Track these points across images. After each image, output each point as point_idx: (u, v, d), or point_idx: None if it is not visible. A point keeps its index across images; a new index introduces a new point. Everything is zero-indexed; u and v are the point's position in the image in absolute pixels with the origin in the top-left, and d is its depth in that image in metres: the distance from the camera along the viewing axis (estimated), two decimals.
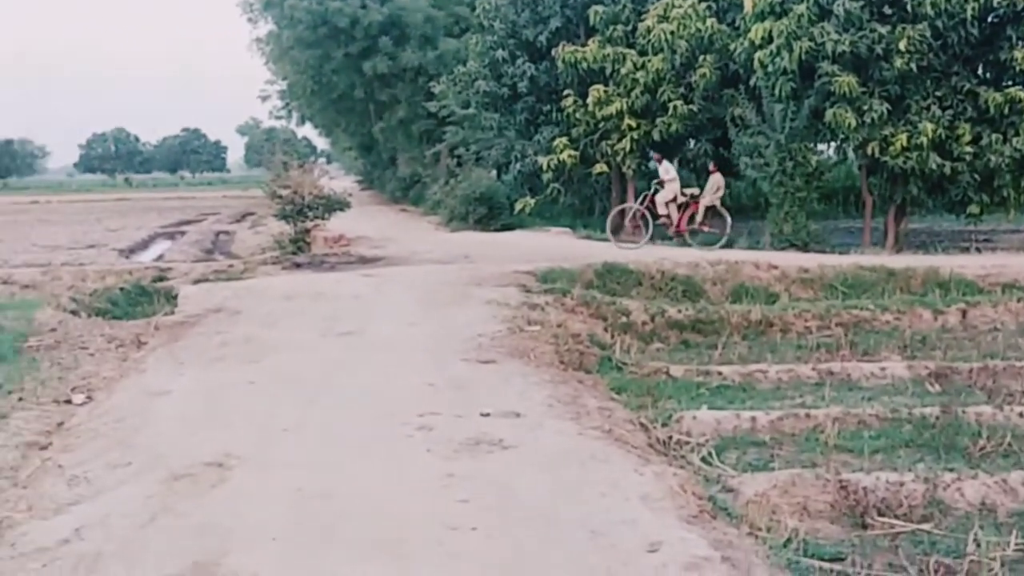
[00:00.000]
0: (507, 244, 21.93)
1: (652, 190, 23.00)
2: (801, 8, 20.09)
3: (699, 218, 22.42)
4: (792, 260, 17.69)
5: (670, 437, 8.47)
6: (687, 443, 8.31)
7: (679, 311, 14.26)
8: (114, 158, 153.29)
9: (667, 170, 23.49)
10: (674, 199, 22.64)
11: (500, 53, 28.08)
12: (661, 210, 22.47)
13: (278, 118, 58.60)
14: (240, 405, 8.50)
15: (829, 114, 20.17)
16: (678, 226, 22.46)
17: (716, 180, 22.85)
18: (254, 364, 10.12)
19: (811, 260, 17.75)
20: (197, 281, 17.02)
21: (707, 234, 22.07)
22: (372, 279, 15.63)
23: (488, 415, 8.18)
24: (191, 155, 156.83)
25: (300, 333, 11.72)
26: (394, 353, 10.55)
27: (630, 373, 11.07)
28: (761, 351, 12.65)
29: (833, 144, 24.08)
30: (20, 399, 9.30)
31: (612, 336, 13.18)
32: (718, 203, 22.55)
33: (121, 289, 17.40)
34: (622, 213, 24.76)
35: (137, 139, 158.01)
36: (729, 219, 21.96)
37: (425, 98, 36.24)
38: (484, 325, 11.98)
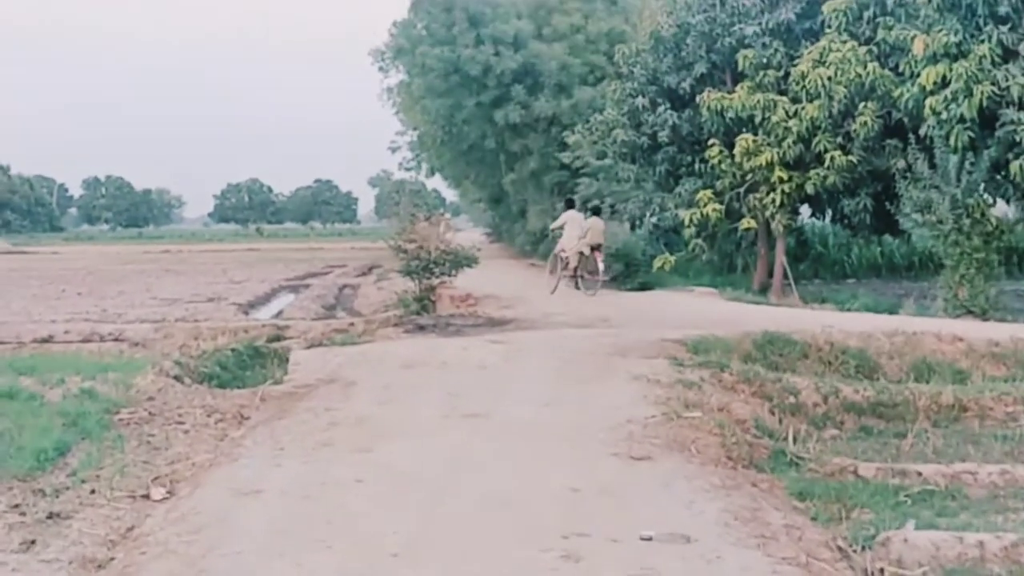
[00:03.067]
0: (648, 306, 20.21)
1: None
2: (983, 49, 18.11)
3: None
4: (976, 330, 15.57)
5: (881, 570, 6.58)
6: None
7: (856, 391, 12.32)
8: (247, 208, 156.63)
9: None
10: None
11: (640, 101, 26.52)
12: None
13: (408, 170, 58.03)
14: (343, 514, 6.90)
15: (1014, 167, 18.02)
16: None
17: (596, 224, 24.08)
18: (364, 454, 8.54)
19: (997, 331, 15.61)
20: (312, 345, 15.66)
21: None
22: (501, 346, 14.04)
23: (650, 539, 6.42)
24: (322, 206, 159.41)
25: (420, 413, 10.14)
26: (529, 444, 8.87)
27: (810, 471, 9.20)
28: (959, 443, 10.67)
29: (1015, 199, 21.75)
30: (92, 491, 7.89)
31: (780, 421, 11.35)
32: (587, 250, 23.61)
33: (233, 350, 16.20)
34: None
35: (270, 190, 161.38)
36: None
37: (558, 149, 34.98)
38: (633, 408, 10.24)
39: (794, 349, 14.22)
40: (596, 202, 28.01)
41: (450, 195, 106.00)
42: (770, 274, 26.38)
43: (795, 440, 10.32)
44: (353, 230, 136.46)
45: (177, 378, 13.18)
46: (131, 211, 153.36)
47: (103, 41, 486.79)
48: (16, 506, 7.46)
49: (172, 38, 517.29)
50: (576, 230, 23.77)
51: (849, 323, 16.37)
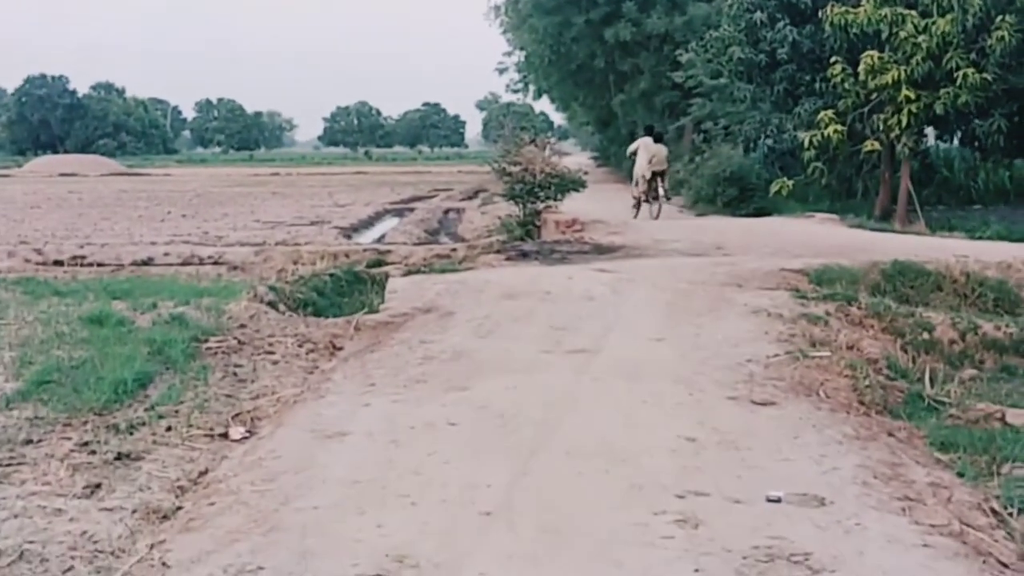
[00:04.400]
0: (765, 232, 19.07)
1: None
2: None
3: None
4: None
5: None
6: None
7: (996, 327, 11.23)
8: (356, 131, 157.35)
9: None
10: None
11: (758, 16, 25.07)
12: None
13: (515, 92, 56.96)
14: (432, 463, 6.21)
15: None
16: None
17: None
18: (459, 393, 7.84)
19: None
20: (409, 272, 15.01)
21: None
22: (609, 275, 13.19)
23: (778, 500, 5.62)
24: (430, 129, 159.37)
25: (520, 347, 9.40)
26: (638, 384, 8.07)
27: (951, 418, 8.26)
28: None
29: None
30: (169, 428, 7.36)
31: (913, 360, 10.37)
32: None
33: (331, 275, 15.74)
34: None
35: (379, 113, 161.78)
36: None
37: (670, 68, 33.80)
38: (753, 345, 9.37)
39: (927, 280, 13.09)
40: (657, 129, 28.15)
41: (558, 119, 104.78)
42: (893, 200, 25.03)
43: (932, 382, 9.37)
44: (461, 154, 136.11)
45: (271, 304, 12.74)
46: (243, 134, 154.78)
47: None
48: (86, 444, 6.96)
49: None
50: (645, 156, 24.05)
51: (983, 252, 15.17)
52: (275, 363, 9.66)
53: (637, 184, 24.35)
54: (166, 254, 19.91)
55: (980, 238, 19.55)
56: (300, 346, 10.35)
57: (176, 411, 7.78)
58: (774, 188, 24.48)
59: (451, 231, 28.15)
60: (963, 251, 15.11)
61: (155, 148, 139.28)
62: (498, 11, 44.77)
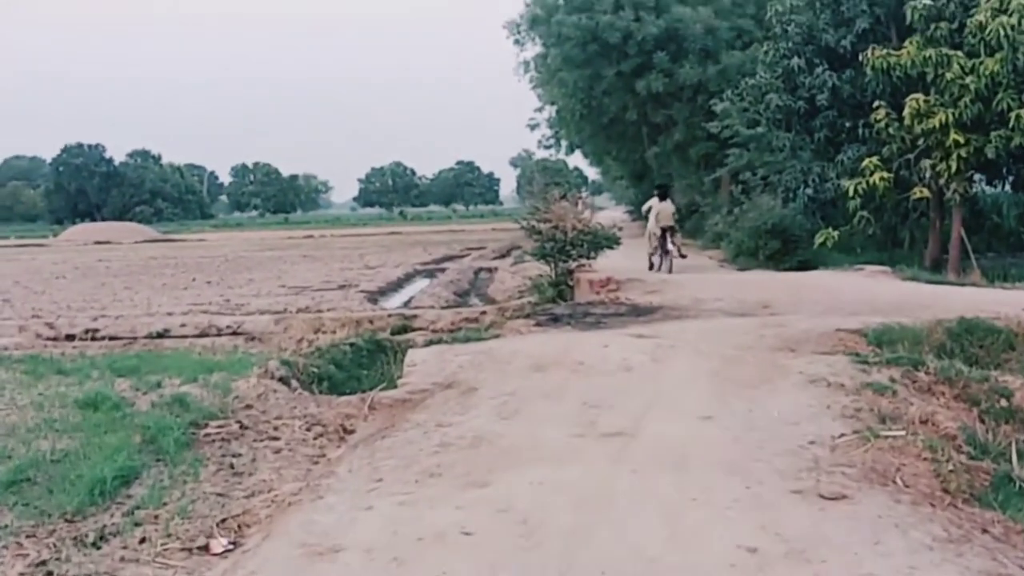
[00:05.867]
0: (813, 287, 17.92)
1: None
2: None
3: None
4: None
5: None
6: None
7: None
8: (391, 192, 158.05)
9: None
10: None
11: (796, 62, 24.25)
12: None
13: (547, 147, 56.24)
14: None
15: None
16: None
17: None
18: (478, 490, 6.76)
19: None
20: (431, 341, 13.99)
21: None
22: (648, 341, 12.09)
23: None
24: (465, 188, 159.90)
25: (549, 430, 8.30)
26: (685, 476, 6.94)
27: None
28: None
29: None
30: (143, 540, 6.36)
31: (989, 431, 9.21)
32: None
33: (352, 345, 14.77)
34: None
35: (413, 172, 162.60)
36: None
37: (705, 118, 32.91)
38: (815, 422, 8.24)
39: (997, 339, 11.95)
40: (663, 185, 29.25)
41: (592, 173, 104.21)
42: (943, 248, 23.91)
43: (1019, 458, 8.21)
44: (495, 211, 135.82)
45: (283, 380, 11.76)
46: (278, 197, 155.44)
47: (245, 29, 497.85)
48: (42, 563, 5.98)
49: (309, 17, 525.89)
50: (653, 215, 24.41)
51: None
52: (277, 452, 8.67)
53: (650, 240, 24.36)
54: (183, 325, 19.06)
55: None
56: (308, 430, 9.38)
57: (156, 516, 6.80)
58: (819, 239, 23.49)
59: (482, 292, 27.26)
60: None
61: (192, 214, 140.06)
62: (527, 66, 44.12)
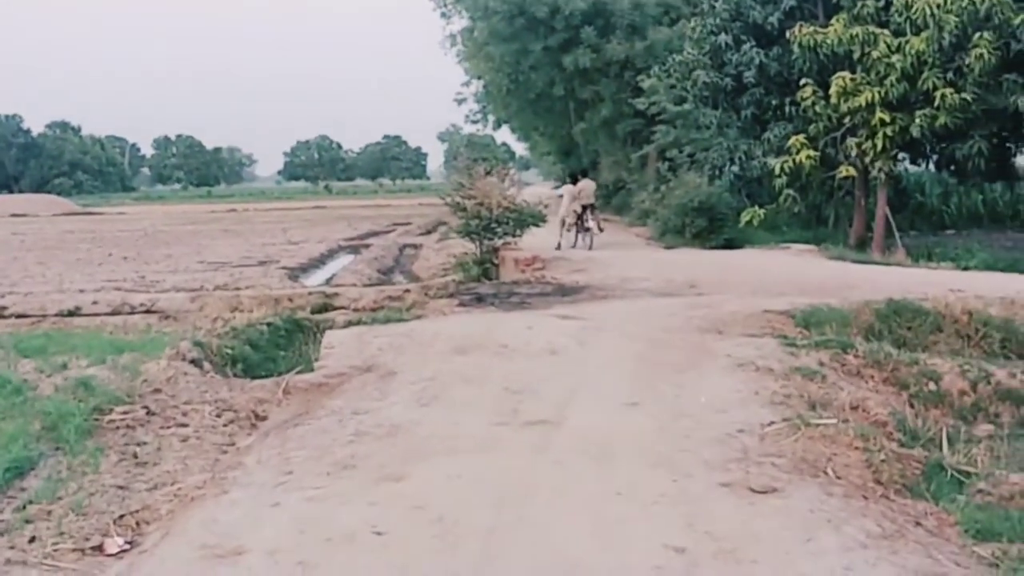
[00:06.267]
0: (740, 267, 17.78)
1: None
2: None
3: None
4: None
5: None
6: None
7: (1011, 375, 9.97)
8: (317, 165, 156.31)
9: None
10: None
11: (723, 38, 24.05)
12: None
13: (474, 122, 55.64)
14: None
15: None
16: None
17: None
18: (392, 485, 6.41)
19: None
20: (350, 323, 13.56)
21: None
22: (573, 323, 11.80)
23: None
24: (392, 162, 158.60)
25: (470, 417, 7.96)
26: (610, 468, 6.64)
27: (980, 493, 6.92)
28: None
29: None
30: (32, 539, 5.92)
31: (918, 415, 9.08)
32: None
33: (268, 324, 14.23)
34: None
35: (339, 146, 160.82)
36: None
37: (632, 94, 32.72)
38: (743, 409, 8.00)
39: (925, 321, 11.83)
40: (582, 168, 30.09)
41: (520, 149, 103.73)
42: (868, 227, 23.95)
43: (950, 444, 8.06)
44: (423, 186, 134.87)
45: (195, 362, 11.23)
46: (202, 170, 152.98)
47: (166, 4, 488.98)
48: None
49: None
50: (568, 198, 24.36)
51: (977, 285, 14.02)
52: (185, 440, 8.23)
53: (563, 224, 24.24)
54: (95, 303, 18.36)
55: (967, 268, 18.40)
56: (218, 416, 8.95)
57: (49, 512, 6.36)
58: (745, 218, 23.39)
59: (406, 269, 26.82)
60: (956, 284, 13.95)
61: (113, 186, 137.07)
62: (454, 40, 43.57)
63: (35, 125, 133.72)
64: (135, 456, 7.69)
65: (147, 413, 8.86)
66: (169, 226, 51.26)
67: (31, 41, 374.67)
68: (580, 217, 23.91)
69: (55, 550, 5.79)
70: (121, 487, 6.93)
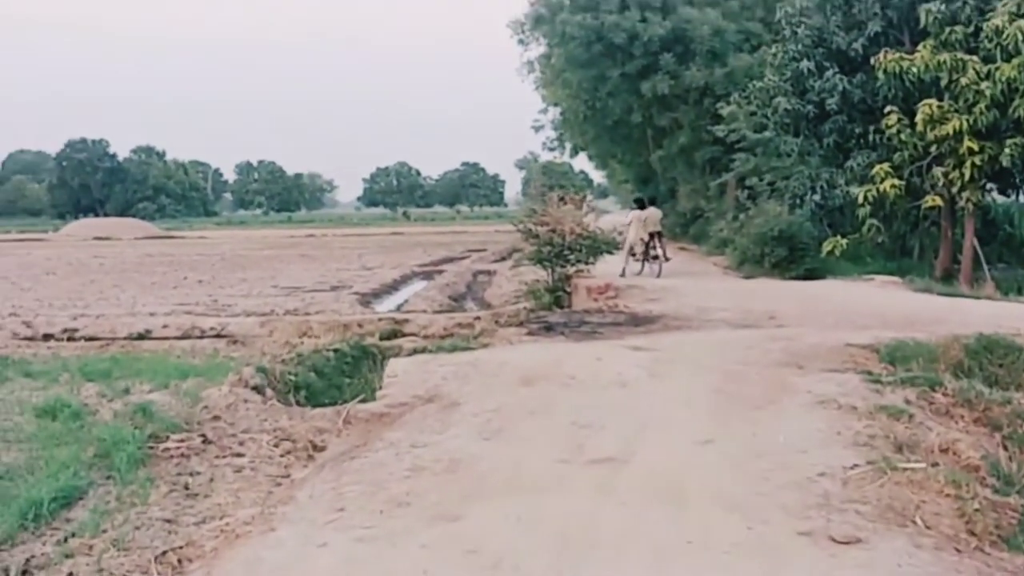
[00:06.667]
0: (822, 298, 17.18)
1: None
2: None
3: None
4: None
5: None
6: None
7: None
8: (396, 192, 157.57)
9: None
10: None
11: (805, 65, 23.46)
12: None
13: (551, 149, 55.30)
14: None
15: None
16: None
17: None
18: (447, 525, 6.03)
19: None
20: (416, 350, 13.25)
21: None
22: (645, 355, 11.35)
23: None
24: (469, 189, 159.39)
25: (533, 453, 7.56)
26: (681, 512, 6.19)
27: None
28: None
29: None
30: None
31: (1011, 457, 8.50)
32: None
33: (335, 351, 14.01)
34: None
35: (418, 173, 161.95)
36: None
37: (711, 122, 32.16)
38: (825, 450, 7.49)
39: (1018, 357, 11.18)
40: (649, 195, 29.18)
41: (597, 176, 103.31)
42: (954, 259, 23.15)
43: None
44: (499, 213, 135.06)
45: (257, 389, 11.01)
46: (283, 195, 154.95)
47: (250, 28, 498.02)
48: None
49: (316, 20, 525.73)
50: (637, 225, 23.89)
51: None
52: (239, 471, 7.97)
53: (633, 252, 23.72)
54: (165, 326, 18.34)
55: None
56: (276, 446, 8.68)
57: (91, 547, 6.11)
58: (826, 247, 22.74)
59: (478, 296, 26.58)
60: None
61: (195, 211, 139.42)
62: (531, 66, 43.28)
63: (121, 150, 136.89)
64: (186, 487, 7.44)
65: (203, 441, 8.64)
66: (247, 250, 51.70)
67: (118, 68, 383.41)
68: (648, 245, 23.51)
69: None
70: (168, 520, 6.68)
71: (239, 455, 8.35)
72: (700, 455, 7.44)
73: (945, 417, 9.11)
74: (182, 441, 8.57)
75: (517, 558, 5.43)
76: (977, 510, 6.41)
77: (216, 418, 9.36)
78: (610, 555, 5.50)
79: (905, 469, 6.91)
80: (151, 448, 8.23)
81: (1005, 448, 8.72)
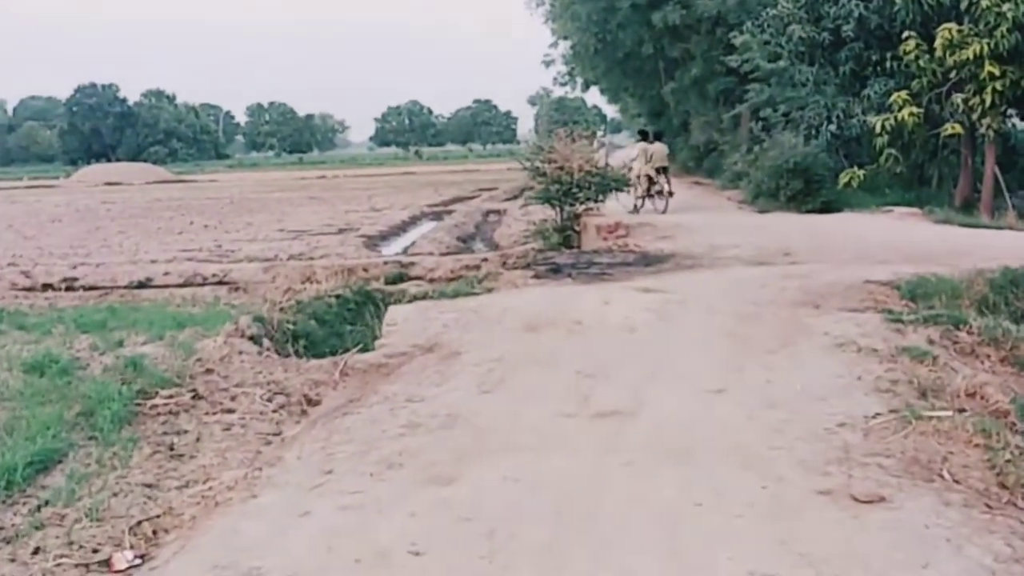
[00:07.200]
0: (838, 232, 16.67)
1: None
2: None
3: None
4: None
5: None
6: None
7: None
8: (408, 131, 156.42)
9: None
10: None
11: None
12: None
13: (562, 84, 54.36)
14: None
15: None
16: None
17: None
18: (439, 490, 5.62)
19: None
20: (415, 298, 12.81)
21: None
22: (655, 296, 10.87)
23: None
24: (482, 126, 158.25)
25: (535, 406, 7.14)
26: (689, 471, 5.76)
27: None
28: None
29: None
30: (36, 550, 5.29)
31: None
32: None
33: (338, 297, 13.63)
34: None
35: (430, 111, 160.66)
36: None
37: (724, 52, 31.41)
38: (844, 398, 7.05)
39: None
40: (655, 129, 28.75)
41: (611, 111, 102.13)
42: (974, 188, 22.58)
43: None
44: (512, 150, 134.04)
45: (254, 339, 10.59)
46: (295, 137, 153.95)
47: None
48: None
49: None
50: (643, 157, 23.26)
51: None
52: (228, 428, 7.60)
53: (636, 187, 22.96)
54: (166, 274, 17.98)
55: None
56: (269, 400, 8.30)
57: (63, 516, 5.71)
58: (843, 179, 22.22)
59: (487, 237, 26.14)
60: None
61: (207, 154, 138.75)
62: None
63: (131, 94, 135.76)
64: (171, 448, 7.09)
65: (193, 397, 8.26)
66: (257, 193, 51.28)
67: (128, 8, 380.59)
68: (651, 181, 22.95)
69: (57, 565, 5.15)
70: (149, 485, 6.33)
71: (230, 411, 7.98)
72: (711, 406, 7.00)
73: (970, 357, 8.66)
74: (171, 397, 8.18)
75: (513, 526, 5.02)
76: (1008, 461, 5.97)
77: (209, 371, 8.97)
78: (613, 521, 5.08)
79: (931, 417, 6.47)
80: (138, 405, 7.85)
81: None
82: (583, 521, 5.10)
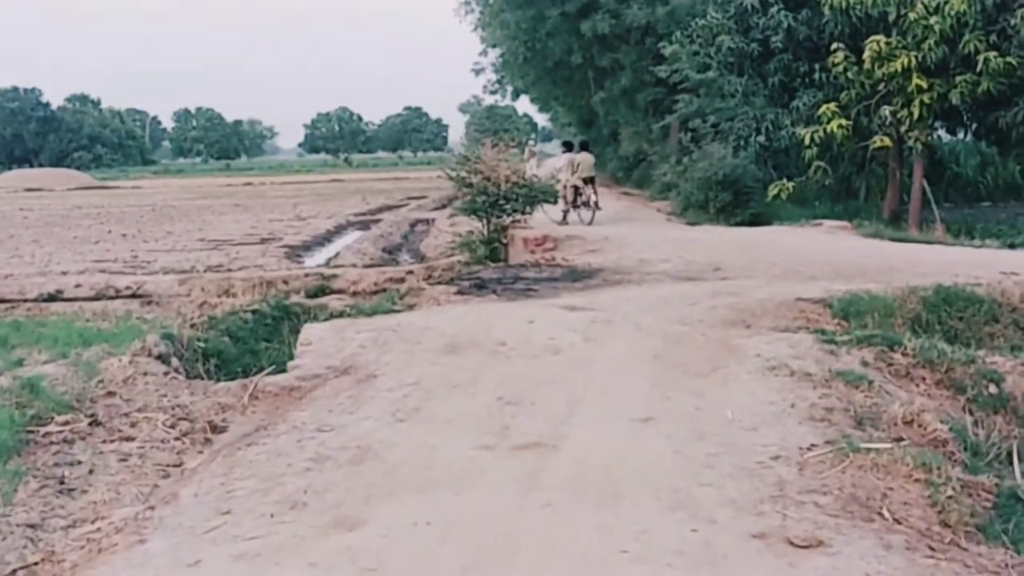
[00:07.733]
0: (768, 245, 16.43)
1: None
2: None
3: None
4: None
5: None
6: None
7: None
8: (338, 138, 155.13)
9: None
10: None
11: (749, 1, 22.78)
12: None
13: (492, 92, 54.18)
14: None
15: None
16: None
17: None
18: (343, 536, 5.18)
19: None
20: (332, 316, 12.32)
21: None
22: (581, 315, 10.48)
23: None
24: (412, 134, 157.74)
25: (452, 437, 6.71)
26: (614, 512, 5.35)
27: None
28: None
29: None
30: None
31: (978, 422, 7.81)
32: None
33: (254, 312, 13.06)
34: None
35: (360, 118, 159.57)
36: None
37: (653, 62, 31.40)
38: (777, 427, 6.73)
39: (979, 310, 10.54)
40: (581, 139, 27.23)
41: (542, 120, 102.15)
42: (902, 200, 22.66)
43: (1020, 460, 6.84)
44: (443, 158, 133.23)
45: (162, 358, 10.04)
46: (222, 143, 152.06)
47: None
48: None
49: None
50: (569, 168, 23.23)
51: None
52: (124, 459, 7.07)
53: (565, 197, 22.71)
54: (77, 286, 17.28)
55: (1014, 246, 17.02)
56: (172, 427, 7.77)
57: None
58: (772, 191, 22.16)
59: (414, 247, 25.69)
60: (1007, 265, 12.67)
61: (133, 159, 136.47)
62: (468, 6, 42.20)
63: (54, 99, 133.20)
64: (61, 481, 6.55)
65: (91, 423, 7.71)
66: (180, 201, 50.27)
67: (50, 12, 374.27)
68: (578, 191, 22.70)
69: None
70: (31, 526, 5.79)
71: (129, 439, 7.45)
72: (637, 437, 6.61)
73: (905, 380, 8.43)
74: (67, 424, 7.64)
75: None
76: (950, 497, 5.68)
77: (111, 394, 8.44)
78: (529, 572, 4.67)
79: (868, 450, 6.15)
80: (30, 433, 7.30)
81: (971, 413, 8.05)
82: (496, 573, 4.68)
